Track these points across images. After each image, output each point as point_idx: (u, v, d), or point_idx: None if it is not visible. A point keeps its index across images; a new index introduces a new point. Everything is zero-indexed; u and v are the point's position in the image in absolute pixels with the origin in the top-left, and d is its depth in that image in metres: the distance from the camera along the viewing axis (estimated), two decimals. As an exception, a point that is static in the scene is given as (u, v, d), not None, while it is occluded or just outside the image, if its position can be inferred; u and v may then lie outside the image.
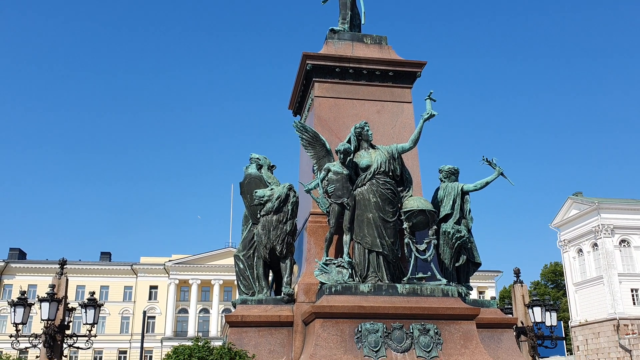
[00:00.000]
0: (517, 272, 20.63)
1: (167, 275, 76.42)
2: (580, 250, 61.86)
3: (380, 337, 10.03)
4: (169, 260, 76.80)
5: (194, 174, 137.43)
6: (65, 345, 16.89)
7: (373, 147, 11.95)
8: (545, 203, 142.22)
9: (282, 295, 11.61)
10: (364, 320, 10.17)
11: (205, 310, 76.93)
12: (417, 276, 11.14)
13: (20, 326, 16.23)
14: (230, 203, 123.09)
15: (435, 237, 11.58)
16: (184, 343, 7.15)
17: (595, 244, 59.38)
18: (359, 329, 10.10)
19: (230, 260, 72.47)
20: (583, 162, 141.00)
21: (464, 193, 12.63)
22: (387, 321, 10.20)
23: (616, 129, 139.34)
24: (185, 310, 77.06)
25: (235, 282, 12.64)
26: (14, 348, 16.50)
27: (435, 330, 10.21)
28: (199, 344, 6.69)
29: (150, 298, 76.28)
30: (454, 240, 12.12)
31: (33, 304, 16.78)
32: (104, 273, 75.56)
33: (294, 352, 10.92)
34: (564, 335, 37.22)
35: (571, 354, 60.29)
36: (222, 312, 73.43)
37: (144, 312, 54.88)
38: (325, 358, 9.77)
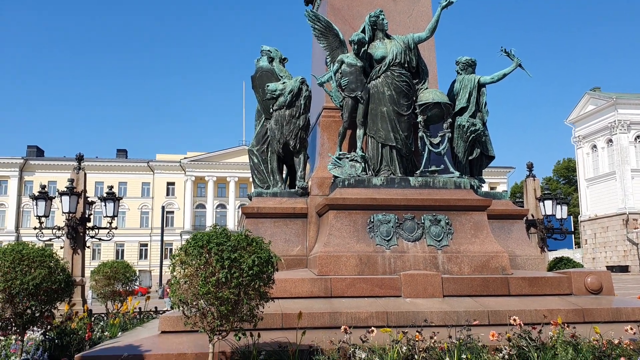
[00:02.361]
0: (529, 166, 20.69)
1: (183, 172, 77.78)
2: (595, 146, 61.55)
3: (392, 227, 10.24)
4: (184, 158, 77.87)
5: (207, 70, 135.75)
6: (87, 237, 17.53)
7: (388, 37, 11.57)
8: (561, 99, 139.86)
9: (296, 188, 11.77)
10: (376, 212, 10.35)
11: (222, 206, 78.92)
12: (430, 169, 11.18)
13: (43, 219, 16.79)
14: (242, 100, 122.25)
15: (449, 130, 11.49)
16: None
17: (610, 140, 58.96)
18: (371, 220, 10.30)
19: (244, 158, 73.45)
20: (602, 56, 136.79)
21: (481, 85, 12.35)
22: (399, 212, 10.37)
23: (637, 21, 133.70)
24: (202, 206, 79.14)
25: (250, 178, 12.82)
26: (38, 239, 17.19)
27: (447, 221, 10.39)
28: (217, 231, 6.85)
29: (167, 194, 78.19)
30: (468, 134, 12.02)
31: (54, 198, 17.26)
32: (121, 170, 77.01)
33: (308, 242, 11.24)
34: (573, 230, 37.97)
35: (579, 247, 61.77)
36: (238, 207, 75.27)
37: (163, 208, 56.62)
38: (338, 246, 10.05)
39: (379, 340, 7.58)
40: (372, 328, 7.67)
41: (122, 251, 74.41)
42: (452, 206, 10.51)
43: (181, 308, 6.89)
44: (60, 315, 11.53)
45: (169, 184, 78.68)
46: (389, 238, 10.18)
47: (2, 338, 11.64)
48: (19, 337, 9.53)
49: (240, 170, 76.11)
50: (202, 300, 6.64)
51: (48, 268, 8.64)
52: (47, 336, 9.57)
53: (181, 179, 78.18)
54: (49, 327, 10.69)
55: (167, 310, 13.23)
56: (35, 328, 10.68)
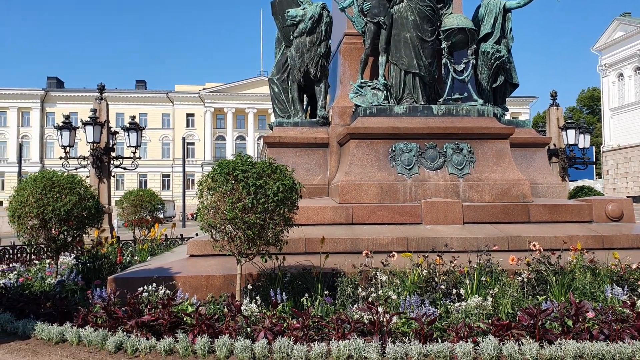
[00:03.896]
0: (553, 95, 20.31)
1: (202, 103, 77.73)
2: (621, 74, 59.84)
3: (414, 156, 10.28)
4: (203, 89, 77.59)
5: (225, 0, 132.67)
6: (111, 167, 17.85)
7: (412, -41, 11.18)
8: (587, 27, 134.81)
9: (317, 118, 11.77)
10: (398, 141, 10.36)
11: (241, 138, 79.19)
12: (453, 97, 11.06)
13: (68, 149, 17.08)
14: (260, 30, 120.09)
15: (474, 57, 11.27)
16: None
17: (638, 68, 57.23)
18: (393, 149, 10.33)
19: (263, 89, 73.17)
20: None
21: (506, 10, 11.99)
22: (421, 141, 10.37)
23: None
24: (222, 138, 79.48)
25: (269, 109, 12.82)
26: (64, 169, 17.59)
27: (469, 149, 10.38)
28: (242, 158, 6.96)
29: (187, 125, 78.52)
30: (492, 61, 11.78)
31: (78, 128, 17.48)
32: (141, 101, 77.18)
33: (329, 171, 11.35)
34: (594, 160, 37.58)
35: (600, 178, 61.32)
36: (257, 139, 75.56)
37: (183, 139, 57.05)
38: (359, 175, 10.16)
39: (400, 264, 7.79)
40: (393, 253, 7.87)
41: (145, 182, 75.66)
42: (474, 134, 10.47)
43: (210, 232, 7.12)
44: (91, 240, 11.97)
45: (188, 115, 78.85)
46: (411, 167, 10.24)
47: (37, 262, 12.19)
48: (53, 261, 9.96)
49: (259, 101, 75.80)
50: (229, 225, 6.85)
51: (78, 195, 8.91)
52: (79, 260, 9.97)
53: (200, 110, 78.23)
54: (80, 251, 11.15)
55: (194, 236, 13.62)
56: (67, 253, 11.16)
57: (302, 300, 7.03)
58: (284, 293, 7.06)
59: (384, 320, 5.85)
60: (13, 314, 7.27)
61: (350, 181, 10.08)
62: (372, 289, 7.17)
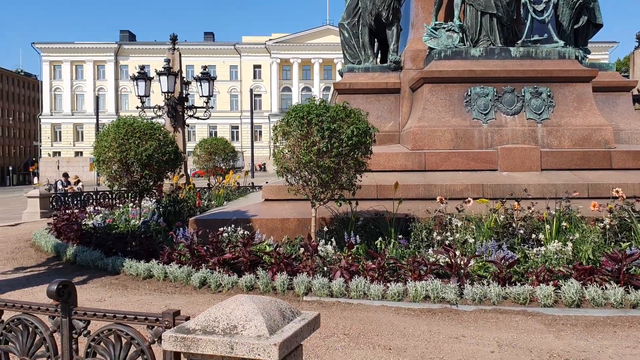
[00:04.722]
0: (639, 37, 19.03)
1: (268, 54, 77.83)
2: None
3: (490, 100, 9.97)
4: (269, 40, 77.50)
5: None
6: (185, 116, 18.29)
7: None
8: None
9: (389, 62, 11.56)
10: (474, 85, 10.06)
11: (307, 89, 79.07)
12: (532, 39, 10.56)
13: (144, 99, 17.58)
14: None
15: (555, -5, 10.67)
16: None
17: None
18: (468, 93, 10.05)
19: (328, 39, 72.30)
20: None
21: (592, -56, 11.22)
22: (498, 85, 10.02)
23: None
24: (288, 89, 79.68)
25: (337, 57, 12.68)
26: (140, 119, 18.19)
27: (548, 93, 9.96)
28: (316, 103, 6.98)
29: (254, 77, 79.07)
30: (575, 0, 11.12)
31: (152, 78, 17.93)
32: (209, 53, 78.12)
33: (401, 117, 11.21)
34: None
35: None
36: (323, 90, 75.22)
37: (251, 90, 57.56)
38: (433, 121, 9.98)
39: (475, 210, 7.70)
40: (469, 199, 7.78)
41: (215, 133, 77.28)
42: (555, 77, 10.01)
43: (285, 176, 7.25)
44: (171, 184, 12.46)
45: (255, 67, 79.30)
46: (487, 112, 9.95)
47: (120, 205, 12.83)
48: (135, 204, 10.45)
49: (325, 51, 75.12)
50: (304, 169, 6.94)
51: (158, 141, 9.23)
52: (160, 204, 10.42)
53: (267, 61, 78.45)
54: (160, 196, 11.63)
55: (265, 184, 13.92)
56: (147, 197, 11.66)
57: (375, 243, 7.10)
58: (357, 236, 7.15)
59: (461, 262, 5.84)
60: (102, 251, 7.74)
61: (423, 127, 9.93)
62: (447, 234, 7.14)
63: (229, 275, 6.26)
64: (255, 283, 6.08)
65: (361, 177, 7.37)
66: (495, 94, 9.97)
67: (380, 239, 7.16)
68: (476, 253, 6.41)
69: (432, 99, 10.13)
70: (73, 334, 2.90)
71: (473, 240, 6.83)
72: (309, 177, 7.04)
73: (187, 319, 2.66)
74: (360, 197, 7.99)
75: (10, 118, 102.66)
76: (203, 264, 6.67)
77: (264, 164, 69.95)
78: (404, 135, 10.67)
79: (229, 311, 2.55)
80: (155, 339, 2.71)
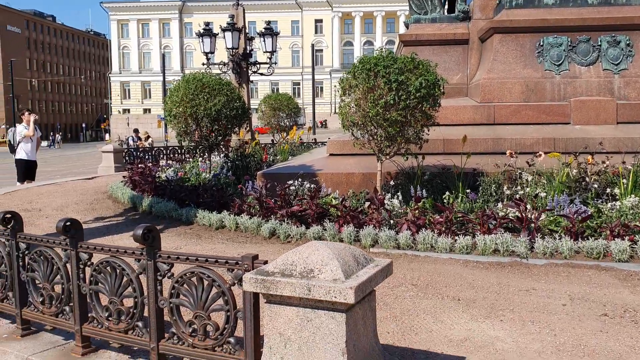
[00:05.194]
0: None
1: (330, 8, 76.79)
2: None
3: (564, 50, 9.53)
4: (331, -7, 76.35)
5: None
6: (249, 73, 18.45)
7: None
8: None
9: (457, 12, 11.20)
10: (547, 34, 9.62)
11: (369, 43, 77.79)
12: (612, -16, 9.94)
13: (209, 55, 17.82)
14: None
15: None
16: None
17: None
18: (541, 43, 9.64)
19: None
20: None
21: None
22: (572, 34, 9.55)
23: None
24: (350, 43, 78.67)
25: (400, 9, 12.36)
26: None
27: (627, 42, 9.42)
28: (383, 54, 6.89)
29: (316, 32, 78.43)
30: (662, -61, 10.32)
31: (217, 35, 18.11)
32: (271, 8, 77.84)
33: (469, 70, 10.91)
34: None
35: None
36: (386, 43, 73.75)
37: (312, 45, 57.18)
38: (503, 72, 9.66)
39: (546, 164, 7.49)
40: (540, 152, 7.57)
41: (277, 90, 77.59)
42: (635, 25, 9.43)
43: (350, 130, 7.26)
44: (239, 139, 12.72)
45: (316, 21, 78.53)
46: (560, 62, 9.53)
47: (190, 160, 13.24)
48: (202, 159, 10.76)
49: (388, 3, 73.33)
50: (370, 123, 6.92)
51: (226, 96, 9.40)
52: (228, 158, 10.68)
53: (328, 15, 77.47)
54: (228, 150, 11.91)
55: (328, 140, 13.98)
56: (215, 152, 11.96)
57: (443, 197, 7.06)
58: (424, 190, 7.12)
59: (532, 216, 5.74)
60: (176, 203, 8.06)
61: (493, 79, 9.64)
62: (517, 188, 7.01)
63: (297, 227, 6.41)
64: (322, 234, 6.20)
65: (428, 130, 7.29)
66: (570, 43, 9.52)
67: (447, 193, 7.11)
68: (547, 207, 6.27)
69: (502, 50, 9.79)
70: (158, 276, 3.08)
71: (545, 194, 6.67)
72: (375, 130, 7.02)
73: (265, 262, 2.78)
74: (427, 152, 7.91)
75: (82, 77, 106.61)
76: (272, 216, 6.85)
77: (325, 120, 69.97)
78: (472, 88, 10.41)
79: (305, 256, 2.65)
80: (235, 281, 2.85)
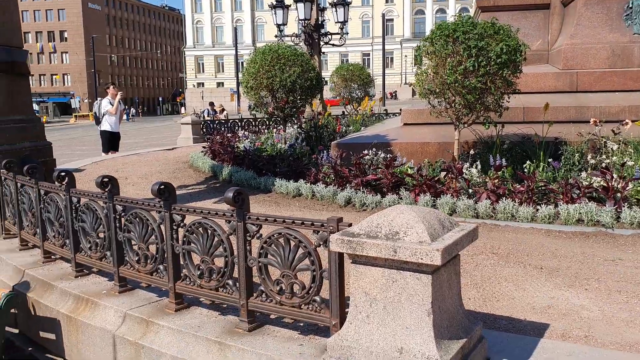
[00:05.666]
0: None
1: (401, -24, 75.17)
2: None
3: (655, 10, 8.98)
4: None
5: None
6: (321, 43, 18.46)
7: None
8: None
9: (538, -25, 10.71)
10: (637, -5, 9.08)
11: (441, 11, 75.70)
12: None
13: (281, 27, 17.95)
14: None
15: None
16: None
17: None
18: (630, 6, 9.11)
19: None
20: None
21: None
22: (667, -6, 8.97)
23: None
24: (421, 12, 76.84)
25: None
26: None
27: None
28: (462, 19, 6.72)
29: (387, 1, 77.04)
30: None
31: (289, 6, 18.18)
32: (341, -21, 76.99)
33: (550, 35, 10.48)
34: None
35: None
36: (459, 11, 71.50)
37: (383, 15, 56.32)
38: (587, 37, 9.23)
39: (633, 132, 7.16)
40: (627, 121, 7.23)
41: (346, 61, 77.24)
42: None
43: (427, 98, 7.18)
44: (312, 110, 12.85)
45: (387, -10, 77.18)
46: (650, 26, 9.00)
47: (266, 131, 13.50)
48: (276, 130, 10.93)
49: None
50: (448, 90, 6.81)
51: (301, 66, 9.48)
52: (302, 129, 10.81)
53: (400, -17, 75.94)
54: (302, 122, 12.05)
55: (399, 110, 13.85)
56: (289, 124, 12.12)
57: (523, 166, 6.89)
58: (503, 159, 6.97)
59: (619, 186, 5.53)
60: (254, 172, 8.29)
61: (576, 44, 9.23)
62: (603, 157, 6.75)
63: (372, 195, 6.46)
64: (398, 203, 6.21)
65: (509, 98, 7.10)
66: (663, 4, 8.95)
67: (528, 162, 6.94)
68: (634, 177, 6.01)
69: (586, 14, 9.33)
70: (247, 236, 3.22)
71: (632, 163, 6.39)
72: (453, 98, 6.91)
73: (350, 225, 2.84)
74: (506, 120, 7.71)
75: (158, 51, 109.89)
76: (347, 185, 6.93)
77: (395, 92, 69.05)
78: (554, 55, 10.00)
79: (391, 219, 2.69)
80: (321, 243, 2.94)
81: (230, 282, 3.33)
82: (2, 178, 5.70)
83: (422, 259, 2.46)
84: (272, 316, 3.36)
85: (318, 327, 3.14)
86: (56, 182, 4.48)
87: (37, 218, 4.96)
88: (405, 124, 9.31)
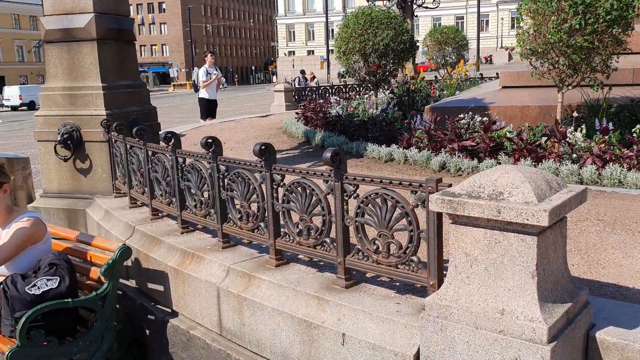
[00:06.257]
0: None
1: None
2: None
3: None
4: None
5: None
6: (414, 6, 18.02)
7: None
8: None
9: None
10: None
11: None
12: None
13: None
14: None
15: None
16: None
17: None
18: None
19: None
20: None
21: None
22: None
23: None
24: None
25: None
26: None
27: None
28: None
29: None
30: None
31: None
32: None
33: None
34: None
35: None
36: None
37: (479, -25, 53.84)
38: None
39: None
40: None
41: (439, 25, 74.97)
42: None
43: (529, 59, 6.86)
44: (405, 75, 12.66)
45: (483, -51, 73.63)
46: None
47: (357, 97, 13.48)
48: (368, 96, 10.86)
49: None
50: (552, 50, 6.48)
51: (394, 29, 9.32)
52: (394, 94, 10.69)
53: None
54: (393, 87, 11.91)
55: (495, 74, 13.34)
56: (380, 90, 12.02)
57: (632, 130, 6.47)
58: (610, 123, 6.57)
59: None
60: (346, 137, 8.32)
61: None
62: None
63: (469, 160, 6.31)
64: (496, 168, 6.03)
65: (617, 58, 6.65)
66: None
67: (637, 126, 6.50)
68: None
69: None
70: (344, 196, 3.26)
71: None
72: (557, 59, 6.57)
73: (449, 186, 2.80)
74: (613, 83, 7.25)
75: (251, 20, 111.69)
76: (441, 149, 6.80)
77: (490, 56, 66.35)
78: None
79: (494, 179, 2.62)
80: (419, 203, 2.92)
81: (327, 240, 3.40)
82: (113, 140, 6.07)
83: (527, 219, 2.39)
84: (368, 275, 3.40)
85: (414, 287, 3.16)
86: (162, 143, 4.72)
87: (145, 178, 5.26)
88: (503, 87, 8.98)
